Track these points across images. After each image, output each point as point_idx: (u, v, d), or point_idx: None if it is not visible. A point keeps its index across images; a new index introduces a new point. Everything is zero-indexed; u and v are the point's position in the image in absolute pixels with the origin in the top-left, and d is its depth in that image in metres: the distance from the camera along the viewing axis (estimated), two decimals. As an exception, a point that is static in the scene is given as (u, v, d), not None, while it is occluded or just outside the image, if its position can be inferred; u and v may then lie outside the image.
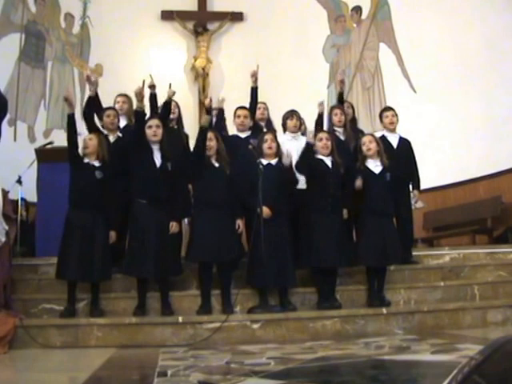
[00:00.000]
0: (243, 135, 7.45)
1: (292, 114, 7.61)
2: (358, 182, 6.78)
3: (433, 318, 6.39)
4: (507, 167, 10.79)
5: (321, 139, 6.81)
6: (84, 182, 6.47)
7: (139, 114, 6.66)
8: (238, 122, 7.47)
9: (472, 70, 11.45)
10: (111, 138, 7.34)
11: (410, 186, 7.83)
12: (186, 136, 7.80)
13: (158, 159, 6.56)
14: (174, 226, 6.52)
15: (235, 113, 7.54)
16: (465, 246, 8.87)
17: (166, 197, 6.46)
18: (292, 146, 7.26)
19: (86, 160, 6.57)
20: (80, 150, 6.59)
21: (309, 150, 6.74)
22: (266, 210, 6.45)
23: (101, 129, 7.29)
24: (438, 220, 11.53)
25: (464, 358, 3.85)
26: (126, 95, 8.03)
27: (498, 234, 10.38)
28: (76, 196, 6.43)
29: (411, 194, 7.79)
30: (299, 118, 7.65)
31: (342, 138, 7.55)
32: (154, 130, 6.57)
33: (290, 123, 7.54)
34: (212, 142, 6.63)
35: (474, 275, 7.52)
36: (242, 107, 7.58)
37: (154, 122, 6.65)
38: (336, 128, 7.60)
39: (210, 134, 6.67)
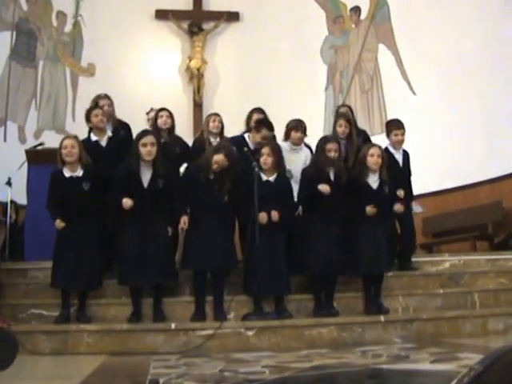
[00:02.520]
0: (252, 142, 7.33)
1: (298, 125, 7.33)
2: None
3: (432, 326, 6.39)
4: (509, 171, 10.77)
5: (329, 151, 6.74)
6: (71, 196, 6.44)
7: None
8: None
9: (473, 73, 11.44)
10: (103, 142, 7.31)
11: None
12: (180, 145, 7.72)
13: (146, 178, 6.48)
14: (170, 232, 6.59)
15: (252, 116, 7.49)
16: (465, 253, 8.86)
17: (155, 213, 6.43)
18: (291, 158, 7.17)
19: (66, 173, 6.50)
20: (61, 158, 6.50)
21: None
22: (262, 216, 6.45)
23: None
24: (437, 225, 11.51)
25: (464, 367, 3.84)
26: (107, 96, 7.97)
27: (499, 240, 10.37)
28: (65, 210, 6.41)
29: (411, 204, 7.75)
30: (305, 131, 7.37)
31: (343, 148, 7.39)
32: (148, 150, 6.42)
33: (295, 135, 7.29)
34: (224, 164, 6.56)
35: (474, 282, 7.50)
36: (261, 110, 7.54)
37: (149, 139, 6.49)
38: (340, 140, 7.37)
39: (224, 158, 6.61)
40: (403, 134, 7.68)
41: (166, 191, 6.49)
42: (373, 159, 6.76)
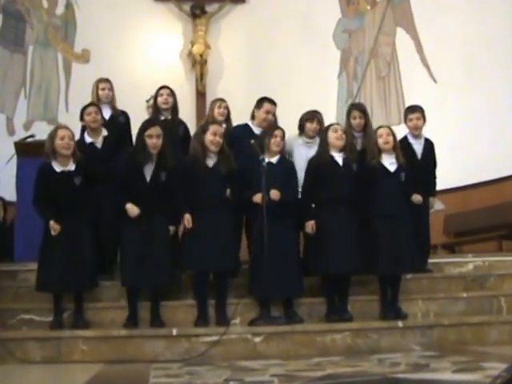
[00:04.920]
0: (258, 131, 7.28)
1: (313, 115, 7.35)
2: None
3: (454, 332, 6.39)
4: (538, 165, 10.78)
5: (336, 130, 6.79)
6: (62, 193, 6.43)
7: None
8: (265, 117, 7.33)
9: (499, 57, 11.42)
10: (98, 144, 7.31)
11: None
12: (184, 126, 7.74)
13: (148, 170, 6.51)
14: (172, 230, 6.62)
15: (263, 104, 7.40)
16: (490, 253, 8.84)
17: (156, 209, 6.46)
18: (303, 154, 7.19)
19: (57, 167, 6.49)
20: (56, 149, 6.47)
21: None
22: (275, 193, 6.48)
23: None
24: (460, 224, 11.49)
25: (489, 377, 3.84)
26: (108, 80, 8.00)
27: (527, 240, 10.36)
28: (53, 207, 6.40)
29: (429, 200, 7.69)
30: (320, 122, 7.37)
31: (359, 146, 7.39)
32: (154, 142, 6.46)
33: (310, 126, 7.29)
34: (221, 140, 6.63)
35: (500, 285, 7.50)
36: (272, 101, 7.47)
37: (156, 130, 6.52)
38: (354, 133, 7.43)
39: (221, 129, 6.71)
40: (419, 119, 7.61)
41: (168, 185, 6.53)
42: (381, 139, 6.83)
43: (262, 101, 7.44)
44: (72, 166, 6.50)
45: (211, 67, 13.50)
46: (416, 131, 7.61)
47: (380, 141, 6.83)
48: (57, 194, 6.42)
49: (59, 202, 6.41)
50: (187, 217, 6.47)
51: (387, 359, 5.45)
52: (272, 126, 7.06)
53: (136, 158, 6.49)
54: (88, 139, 7.31)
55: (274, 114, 7.40)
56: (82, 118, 7.39)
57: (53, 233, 6.29)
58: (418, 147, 7.63)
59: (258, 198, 6.47)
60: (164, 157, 6.54)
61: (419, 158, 7.60)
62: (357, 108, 7.68)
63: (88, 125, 7.33)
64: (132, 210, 6.36)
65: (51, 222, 6.31)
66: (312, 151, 7.13)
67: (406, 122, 7.74)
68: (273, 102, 7.45)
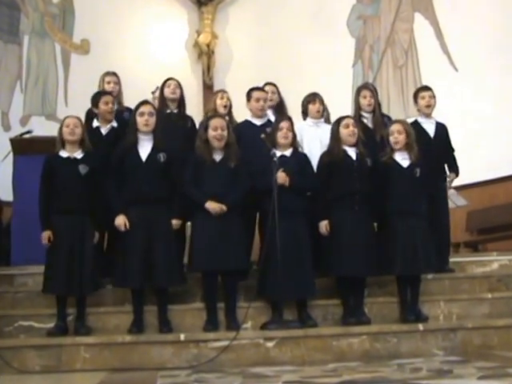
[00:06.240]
0: (259, 122, 7.39)
1: (314, 97, 7.62)
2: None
3: (479, 336, 6.36)
4: None
5: (347, 126, 6.80)
6: (66, 180, 6.43)
7: None
8: (257, 106, 7.38)
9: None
10: (103, 130, 7.29)
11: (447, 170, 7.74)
12: (191, 120, 7.78)
13: (144, 151, 6.53)
14: (175, 224, 6.55)
15: (251, 95, 7.45)
16: (516, 252, 8.82)
17: (156, 195, 6.46)
18: (313, 135, 7.37)
19: (63, 154, 6.52)
20: (63, 136, 6.51)
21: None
22: (282, 176, 6.50)
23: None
24: (484, 220, 11.44)
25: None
26: (115, 74, 8.02)
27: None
28: (57, 199, 6.40)
29: (447, 178, 7.70)
30: (322, 103, 7.64)
31: (370, 125, 7.55)
32: (145, 119, 6.54)
33: (313, 108, 7.55)
34: (225, 132, 6.63)
35: (527, 286, 7.49)
36: (261, 89, 7.56)
37: (147, 108, 6.63)
38: (364, 113, 7.62)
39: (223, 122, 6.70)
40: (431, 97, 7.68)
41: (167, 169, 6.55)
42: (392, 137, 6.86)
43: (249, 92, 7.50)
44: (79, 154, 6.53)
45: (218, 58, 13.51)
46: (428, 110, 7.67)
47: (391, 138, 6.86)
48: (61, 183, 6.41)
49: (63, 192, 6.38)
50: (211, 204, 6.40)
51: (407, 364, 5.44)
52: (278, 118, 7.10)
53: (129, 139, 6.57)
54: (95, 123, 7.33)
55: (265, 101, 7.47)
56: (95, 105, 7.35)
57: (43, 240, 6.33)
58: (428, 126, 7.68)
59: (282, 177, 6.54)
60: (161, 137, 6.60)
61: (432, 136, 7.65)
62: (366, 87, 7.92)
63: (103, 115, 7.32)
64: (120, 224, 6.38)
65: (44, 234, 6.34)
66: (320, 130, 7.42)
67: (416, 101, 7.78)
68: (261, 89, 7.57)
